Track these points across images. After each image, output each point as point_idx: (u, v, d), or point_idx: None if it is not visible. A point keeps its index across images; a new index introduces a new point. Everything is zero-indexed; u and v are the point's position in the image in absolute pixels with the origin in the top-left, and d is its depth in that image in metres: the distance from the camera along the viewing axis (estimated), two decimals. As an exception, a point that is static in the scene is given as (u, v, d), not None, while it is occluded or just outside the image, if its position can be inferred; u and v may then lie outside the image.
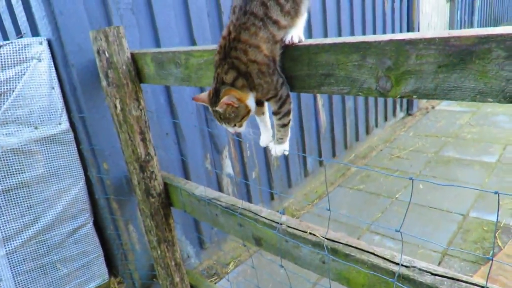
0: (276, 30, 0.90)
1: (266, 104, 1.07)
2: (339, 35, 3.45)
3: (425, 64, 0.73)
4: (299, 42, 0.92)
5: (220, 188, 2.56)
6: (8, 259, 1.75)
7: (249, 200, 2.80)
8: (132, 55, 1.51)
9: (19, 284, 1.79)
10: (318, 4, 3.14)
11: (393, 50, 0.76)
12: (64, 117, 1.81)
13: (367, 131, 4.12)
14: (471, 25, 7.29)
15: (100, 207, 2.05)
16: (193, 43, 2.22)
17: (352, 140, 3.88)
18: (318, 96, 3.29)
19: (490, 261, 0.90)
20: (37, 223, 1.81)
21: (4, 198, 1.70)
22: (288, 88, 0.96)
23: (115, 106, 1.53)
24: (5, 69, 1.62)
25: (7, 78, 1.63)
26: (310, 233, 1.13)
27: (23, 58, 1.66)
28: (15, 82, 1.65)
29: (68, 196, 1.88)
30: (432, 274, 0.88)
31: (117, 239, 2.08)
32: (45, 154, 1.78)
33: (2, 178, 1.68)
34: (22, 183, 1.73)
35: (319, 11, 3.16)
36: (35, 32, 1.78)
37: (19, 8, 1.79)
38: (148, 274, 2.17)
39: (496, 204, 2.77)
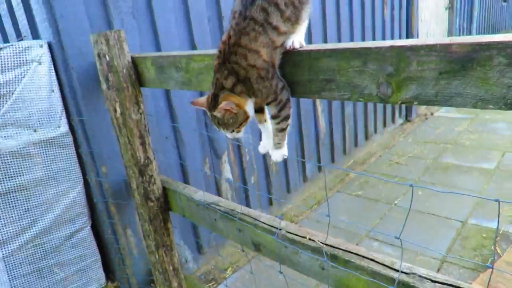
0: (275, 35, 0.90)
1: (267, 111, 1.07)
2: (339, 41, 3.46)
3: (426, 71, 0.73)
4: (300, 47, 0.92)
5: (219, 193, 2.55)
6: (5, 263, 1.74)
7: (248, 205, 2.80)
8: (133, 58, 1.51)
9: (15, 288, 1.78)
10: (318, 11, 3.16)
11: (394, 56, 0.76)
12: (64, 120, 1.81)
13: (366, 137, 4.13)
14: (469, 33, 7.34)
15: (98, 211, 2.04)
16: (194, 47, 2.22)
17: (351, 146, 3.88)
18: (318, 101, 3.29)
19: (489, 269, 0.90)
20: (35, 226, 1.80)
21: (2, 201, 1.69)
22: (288, 93, 0.96)
23: (115, 110, 1.53)
24: (5, 72, 1.62)
25: (7, 81, 1.62)
26: (310, 239, 1.12)
27: (23, 60, 1.66)
28: (15, 85, 1.65)
29: (66, 200, 1.87)
30: (432, 281, 0.87)
31: (114, 243, 2.06)
32: (44, 157, 1.77)
33: (0, 181, 1.67)
34: (20, 186, 1.72)
35: (319, 18, 3.18)
36: (35, 35, 1.78)
37: (20, 11, 1.79)
38: (146, 279, 2.15)
39: (495, 211, 2.78)
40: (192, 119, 2.28)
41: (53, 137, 1.78)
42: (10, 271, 1.76)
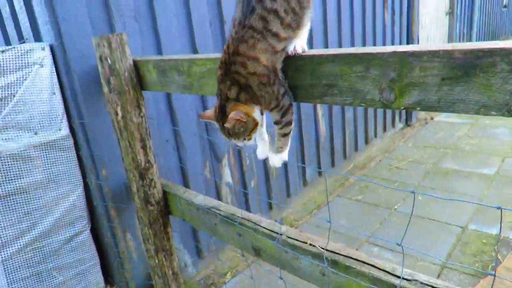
0: (275, 41, 0.90)
1: (264, 116, 1.07)
2: (340, 46, 3.47)
3: (429, 76, 0.73)
4: (302, 52, 0.92)
5: (219, 197, 2.54)
6: (3, 266, 1.73)
7: (248, 209, 2.79)
8: (134, 62, 1.51)
9: (13, 292, 1.77)
10: (320, 15, 3.16)
11: (397, 62, 0.76)
12: (65, 123, 1.81)
13: (366, 141, 4.13)
14: (470, 38, 7.37)
15: (97, 214, 2.04)
16: (195, 50, 2.23)
17: (351, 150, 3.88)
18: (318, 106, 3.29)
19: (489, 275, 0.89)
20: (34, 229, 1.79)
21: (2, 204, 1.69)
22: (291, 98, 0.96)
23: (116, 113, 1.52)
24: (7, 74, 1.62)
25: (8, 83, 1.62)
26: (310, 244, 1.12)
27: (25, 63, 1.66)
28: (17, 87, 1.65)
29: (66, 203, 1.87)
30: None
31: (114, 247, 2.06)
32: (44, 159, 1.77)
33: (0, 184, 1.67)
34: (20, 189, 1.72)
35: (320, 23, 3.18)
36: (37, 38, 1.78)
37: (22, 13, 1.80)
38: (145, 283, 2.14)
39: (495, 217, 2.77)
40: (192, 123, 2.28)
41: (54, 140, 1.78)
42: (8, 274, 1.75)
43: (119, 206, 1.97)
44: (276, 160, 1.07)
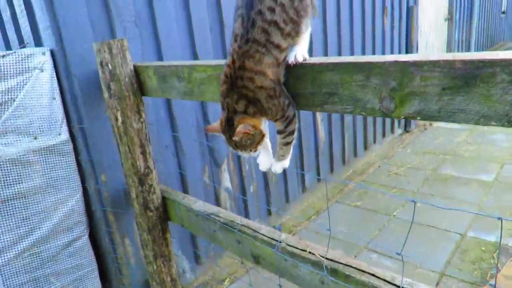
0: (278, 53, 0.92)
1: (267, 128, 1.08)
2: (339, 54, 3.48)
3: (430, 86, 0.73)
4: (303, 60, 0.93)
5: (217, 203, 2.54)
6: (1, 272, 1.72)
7: (247, 215, 2.78)
8: (135, 67, 1.51)
9: (10, 297, 1.75)
10: (319, 23, 3.18)
11: (398, 71, 0.76)
12: (64, 127, 1.81)
13: (365, 147, 4.13)
14: (468, 44, 7.40)
15: (96, 219, 2.03)
16: (195, 56, 2.23)
17: (350, 155, 3.88)
18: (318, 112, 3.30)
19: (488, 284, 0.89)
20: (32, 235, 1.78)
21: (0, 209, 1.68)
22: (294, 108, 0.97)
23: (116, 118, 1.52)
24: (7, 79, 1.62)
25: (8, 88, 1.62)
26: (310, 252, 1.11)
27: (25, 68, 1.66)
28: (17, 92, 1.64)
29: (64, 208, 1.86)
30: (434, 297, 0.87)
31: (112, 252, 2.04)
32: (44, 164, 1.76)
33: (-1, 188, 1.66)
34: (19, 193, 1.71)
35: (320, 30, 3.20)
36: (38, 42, 1.79)
37: (23, 18, 1.80)
38: (143, 288, 2.13)
39: (494, 224, 2.77)
40: (192, 129, 2.28)
41: (53, 144, 1.78)
42: (5, 280, 1.73)
43: (118, 211, 1.97)
44: (278, 167, 1.09)
